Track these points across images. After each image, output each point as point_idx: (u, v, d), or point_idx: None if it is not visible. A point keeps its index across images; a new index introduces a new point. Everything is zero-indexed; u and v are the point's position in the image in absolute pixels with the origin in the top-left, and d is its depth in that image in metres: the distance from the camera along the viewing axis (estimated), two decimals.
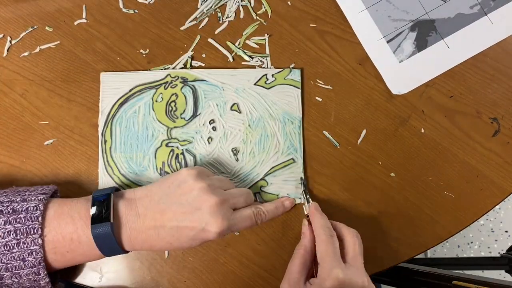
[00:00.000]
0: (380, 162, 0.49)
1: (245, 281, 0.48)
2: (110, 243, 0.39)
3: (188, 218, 0.40)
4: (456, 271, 0.72)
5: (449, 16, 0.51)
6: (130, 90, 0.49)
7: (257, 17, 0.51)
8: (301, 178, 0.48)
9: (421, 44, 0.50)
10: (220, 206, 0.40)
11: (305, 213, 0.46)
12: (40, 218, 0.38)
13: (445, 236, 0.48)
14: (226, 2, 0.51)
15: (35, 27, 0.51)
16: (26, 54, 0.51)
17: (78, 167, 0.49)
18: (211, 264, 0.48)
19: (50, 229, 0.38)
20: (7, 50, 0.51)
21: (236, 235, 0.48)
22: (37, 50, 0.51)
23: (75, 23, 0.51)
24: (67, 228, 0.39)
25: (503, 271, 0.81)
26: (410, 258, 0.48)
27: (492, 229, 1.25)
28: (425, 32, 0.51)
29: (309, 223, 0.45)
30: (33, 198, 0.39)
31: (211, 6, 0.51)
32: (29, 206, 0.38)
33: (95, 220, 0.39)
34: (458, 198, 0.49)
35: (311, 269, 0.42)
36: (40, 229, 0.37)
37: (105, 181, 0.48)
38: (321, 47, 0.51)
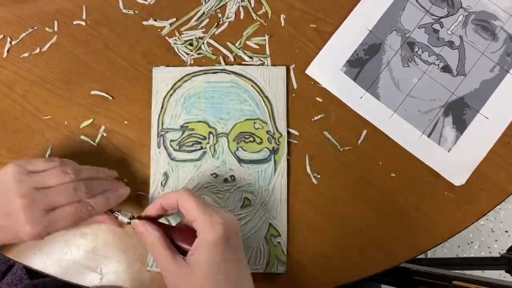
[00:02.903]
0: (380, 163, 0.49)
1: None
2: None
3: (1, 222, 0.39)
4: (456, 271, 0.72)
5: (475, 88, 0.49)
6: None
7: (257, 18, 0.51)
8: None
9: (461, 126, 0.49)
10: (28, 209, 0.38)
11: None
12: None
13: (445, 236, 0.48)
14: (227, 2, 0.51)
15: (35, 28, 0.51)
16: (26, 55, 0.51)
17: None
18: None
19: None
20: (7, 51, 0.51)
21: None
22: (37, 51, 0.51)
23: (75, 23, 0.51)
24: None
25: (503, 271, 0.81)
26: (411, 258, 0.48)
27: (492, 229, 1.25)
28: (460, 112, 0.49)
29: (141, 218, 0.40)
30: None
31: (212, 7, 0.51)
32: None
33: None
34: (458, 198, 0.49)
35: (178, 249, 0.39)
36: None
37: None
38: (321, 48, 0.51)
